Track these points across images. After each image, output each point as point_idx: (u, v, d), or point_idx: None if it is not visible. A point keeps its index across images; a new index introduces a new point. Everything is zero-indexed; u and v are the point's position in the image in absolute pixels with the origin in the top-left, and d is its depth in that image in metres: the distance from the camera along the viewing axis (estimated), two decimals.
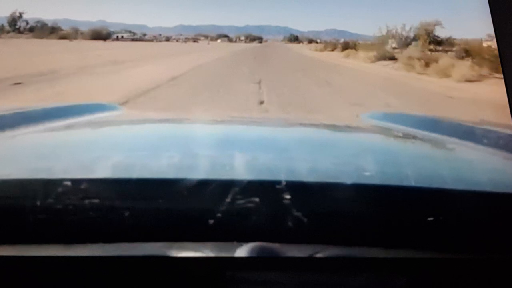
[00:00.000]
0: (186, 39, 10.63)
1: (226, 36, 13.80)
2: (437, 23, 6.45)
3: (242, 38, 13.86)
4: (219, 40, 13.48)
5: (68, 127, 0.71)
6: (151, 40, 8.58)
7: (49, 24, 7.00)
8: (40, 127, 0.67)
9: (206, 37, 14.19)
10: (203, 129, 0.72)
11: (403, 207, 0.44)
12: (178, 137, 0.68)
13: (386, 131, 0.83)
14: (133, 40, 8.05)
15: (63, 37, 6.91)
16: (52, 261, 0.40)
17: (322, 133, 0.83)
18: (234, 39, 13.81)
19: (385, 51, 7.57)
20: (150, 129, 0.78)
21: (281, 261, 0.41)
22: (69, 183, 0.40)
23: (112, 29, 7.75)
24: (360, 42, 9.82)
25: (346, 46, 9.73)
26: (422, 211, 0.43)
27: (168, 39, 10.13)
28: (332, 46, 10.98)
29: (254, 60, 8.26)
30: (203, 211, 0.42)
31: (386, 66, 7.25)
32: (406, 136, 0.76)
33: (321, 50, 10.78)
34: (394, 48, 7.69)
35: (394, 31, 7.93)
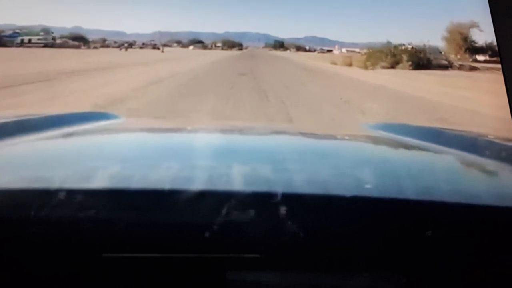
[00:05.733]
0: (126, 44, 9.27)
1: (200, 42, 12.47)
2: None
3: (219, 44, 12.45)
4: (191, 47, 12.17)
5: (67, 135, 0.72)
6: (78, 47, 7.46)
7: None
8: (39, 135, 0.67)
9: (179, 43, 12.92)
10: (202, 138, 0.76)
11: (403, 221, 0.44)
12: (176, 146, 0.70)
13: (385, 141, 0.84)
14: (45, 46, 6.97)
15: None
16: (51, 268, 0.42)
17: (320, 143, 0.82)
18: (209, 46, 12.43)
19: None
20: (147, 138, 0.80)
21: (281, 261, 0.43)
22: (64, 193, 0.42)
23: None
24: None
25: (417, 60, 5.39)
26: (422, 224, 0.43)
27: (115, 45, 8.97)
28: (390, 58, 7.31)
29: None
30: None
31: None
32: (408, 147, 0.76)
33: (364, 67, 6.38)
34: None
35: None
